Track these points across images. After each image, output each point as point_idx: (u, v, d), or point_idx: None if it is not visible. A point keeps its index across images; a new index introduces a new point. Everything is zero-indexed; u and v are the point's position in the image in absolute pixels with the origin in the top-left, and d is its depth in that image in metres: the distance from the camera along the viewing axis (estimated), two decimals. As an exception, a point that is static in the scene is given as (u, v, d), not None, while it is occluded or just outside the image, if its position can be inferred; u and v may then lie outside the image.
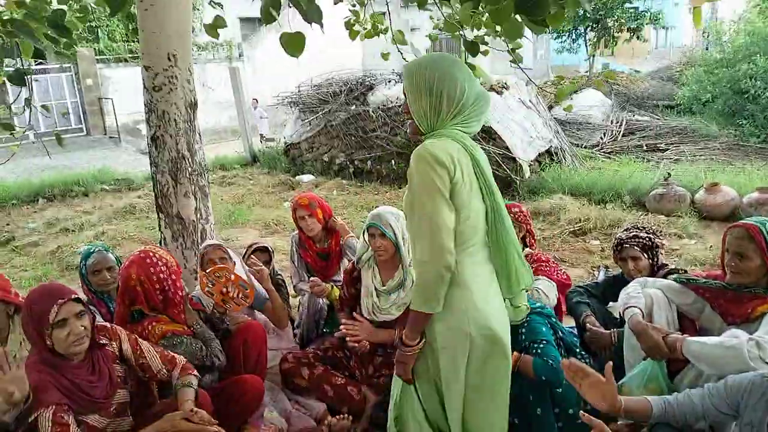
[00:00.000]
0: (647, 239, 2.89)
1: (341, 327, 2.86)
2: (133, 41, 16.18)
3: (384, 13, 4.00)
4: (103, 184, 9.66)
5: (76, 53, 14.35)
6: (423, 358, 1.99)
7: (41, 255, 6.31)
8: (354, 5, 4.09)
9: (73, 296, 2.06)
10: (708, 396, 1.88)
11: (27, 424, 1.91)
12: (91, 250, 3.09)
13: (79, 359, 2.09)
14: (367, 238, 2.78)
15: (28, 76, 3.42)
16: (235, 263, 3.09)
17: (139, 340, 2.31)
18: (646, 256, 2.88)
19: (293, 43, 2.39)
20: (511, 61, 3.26)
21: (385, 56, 4.03)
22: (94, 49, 16.21)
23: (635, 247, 2.88)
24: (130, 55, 16.52)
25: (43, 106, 3.62)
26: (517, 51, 3.24)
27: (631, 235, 2.91)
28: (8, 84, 3.34)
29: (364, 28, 4.13)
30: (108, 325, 2.31)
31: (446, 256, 1.75)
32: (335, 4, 3.88)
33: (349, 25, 4.08)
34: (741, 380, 1.82)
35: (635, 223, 3.01)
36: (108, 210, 8.09)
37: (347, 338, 2.79)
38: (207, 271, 2.80)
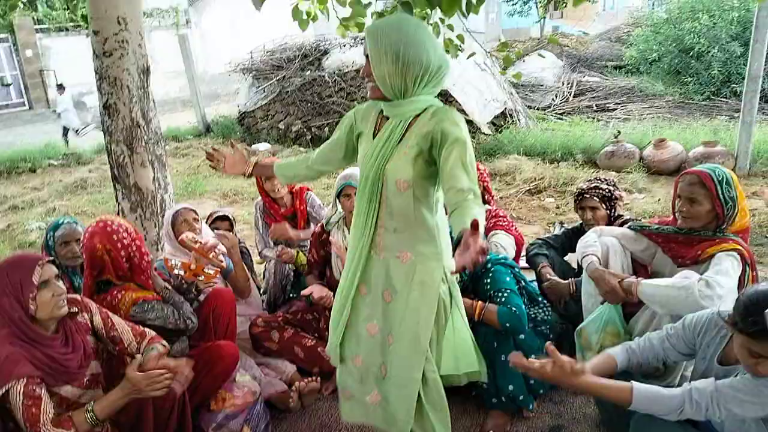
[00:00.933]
0: (607, 191, 3.00)
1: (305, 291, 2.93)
2: (77, 8, 15.38)
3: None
4: (50, 159, 9.35)
5: (12, 22, 13.61)
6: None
7: (-10, 233, 6.09)
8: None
9: (49, 258, 2.05)
10: (667, 338, 1.98)
11: None
12: (60, 222, 3.01)
13: (53, 330, 2.07)
14: (340, 200, 2.81)
15: None
16: (202, 229, 3.07)
17: (110, 313, 2.29)
18: (604, 206, 3.00)
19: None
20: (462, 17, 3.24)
21: (343, 29, 3.89)
22: (33, 18, 15.39)
23: (594, 198, 2.99)
24: (71, 24, 15.75)
25: None
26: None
27: (592, 186, 3.02)
28: None
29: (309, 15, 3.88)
30: (79, 297, 2.28)
31: None
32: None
33: (296, 14, 3.81)
34: (698, 319, 1.93)
35: (598, 176, 3.12)
36: (58, 185, 7.83)
37: (311, 294, 2.87)
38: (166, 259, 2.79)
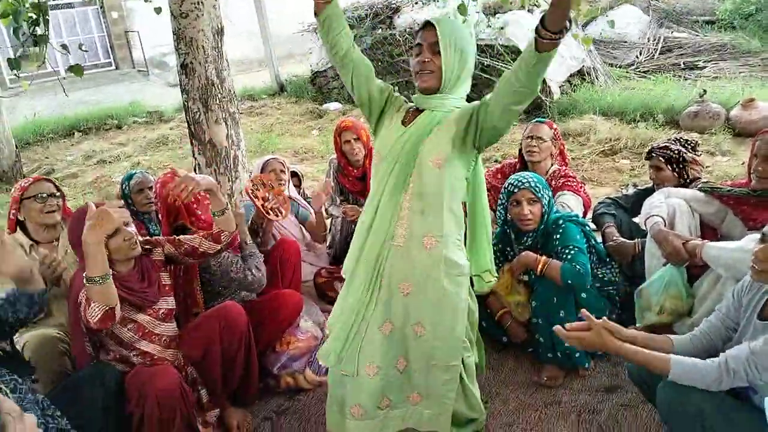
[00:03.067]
0: (676, 152, 2.85)
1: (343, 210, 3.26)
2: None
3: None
4: (135, 116, 9.83)
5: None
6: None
7: (81, 186, 6.56)
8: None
9: (120, 206, 2.21)
10: (722, 313, 1.89)
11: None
12: (133, 173, 3.26)
13: (129, 267, 2.25)
14: None
15: (44, 13, 3.36)
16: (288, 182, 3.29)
17: (175, 237, 2.43)
18: (670, 168, 2.86)
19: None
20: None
21: None
22: (117, -20, 16.05)
23: (660, 158, 2.87)
24: (153, -14, 16.28)
25: (63, 46, 3.57)
26: None
27: (662, 145, 2.89)
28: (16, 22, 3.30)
29: None
30: (150, 237, 2.46)
31: None
32: None
33: None
34: (742, 282, 1.86)
35: (679, 136, 2.98)
36: (141, 142, 8.27)
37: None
38: (254, 177, 2.98)
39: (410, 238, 1.91)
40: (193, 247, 2.39)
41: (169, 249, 2.39)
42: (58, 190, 2.70)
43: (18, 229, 2.64)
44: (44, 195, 2.60)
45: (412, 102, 2.00)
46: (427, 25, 1.86)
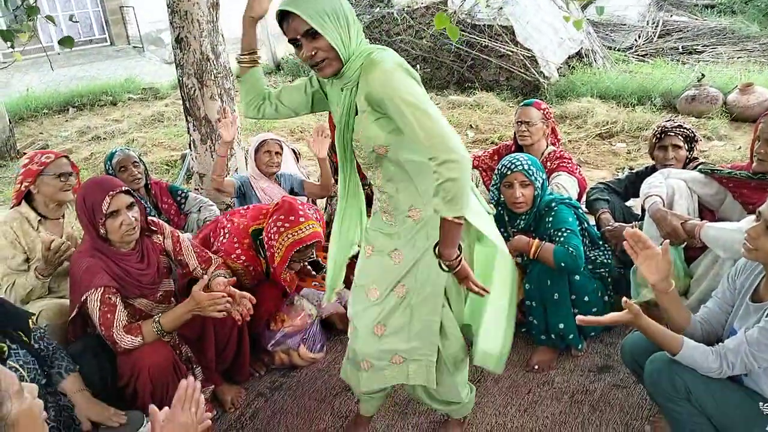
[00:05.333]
0: (690, 131, 2.86)
1: None
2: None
3: None
4: (130, 93, 9.73)
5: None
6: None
7: (76, 161, 6.45)
8: None
9: (123, 188, 2.16)
10: (719, 298, 1.91)
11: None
12: (113, 151, 3.15)
13: (129, 248, 2.23)
14: None
15: None
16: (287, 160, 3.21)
17: (181, 237, 2.44)
18: (686, 147, 2.85)
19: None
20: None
21: None
22: (112, -47, 15.78)
23: (679, 136, 2.82)
24: (149, -40, 16.01)
25: (48, 17, 3.48)
26: None
27: (675, 124, 2.87)
28: None
29: None
30: (156, 219, 2.44)
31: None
32: None
33: None
34: (737, 264, 1.88)
35: (677, 118, 2.97)
36: (137, 118, 8.19)
37: None
38: None
39: (397, 213, 1.87)
40: (187, 265, 2.42)
41: (169, 245, 2.40)
42: (74, 167, 2.66)
43: (24, 202, 2.59)
44: (66, 173, 2.57)
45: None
46: (286, 14, 1.60)
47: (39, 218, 2.58)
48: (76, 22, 5.09)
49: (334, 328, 2.98)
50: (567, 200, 2.67)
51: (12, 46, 3.17)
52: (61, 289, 2.56)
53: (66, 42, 3.18)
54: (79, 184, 2.73)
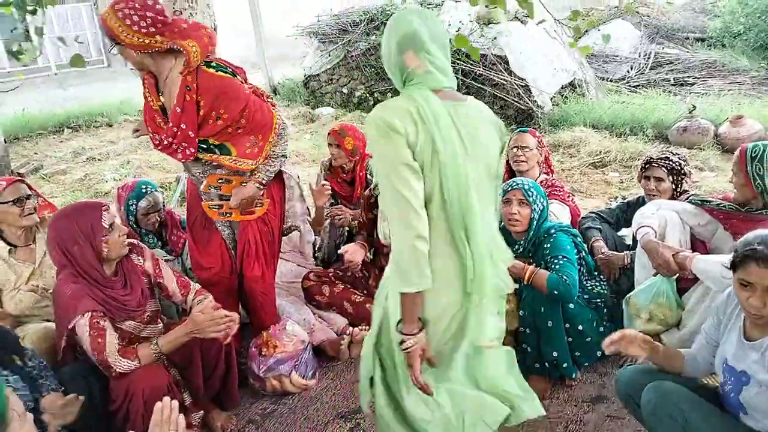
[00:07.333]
0: (677, 163, 2.85)
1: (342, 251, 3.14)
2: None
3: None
4: (126, 115, 9.77)
5: (94, -18, 14.11)
6: None
7: (70, 183, 6.48)
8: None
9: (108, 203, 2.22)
10: (708, 334, 1.91)
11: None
12: (143, 190, 2.97)
13: (112, 272, 2.22)
14: None
15: (42, 7, 3.34)
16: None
17: (160, 262, 2.43)
18: (670, 179, 2.84)
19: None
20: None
21: None
22: (111, -22, 15.95)
23: (663, 168, 2.83)
24: (147, -16, 16.19)
25: (60, 39, 3.55)
26: None
27: (662, 156, 2.87)
28: (15, 13, 3.24)
29: None
30: (135, 242, 2.44)
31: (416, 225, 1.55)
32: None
33: None
34: (720, 298, 1.89)
35: (670, 149, 3.02)
36: (132, 140, 8.19)
37: (345, 256, 3.07)
38: None
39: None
40: (167, 288, 2.41)
41: (148, 268, 2.39)
42: (31, 189, 2.59)
43: None
44: (22, 198, 2.50)
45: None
46: None
47: (9, 248, 2.53)
48: (81, 43, 5.16)
49: (325, 355, 2.95)
50: (566, 228, 2.69)
51: (25, 65, 3.21)
52: (44, 312, 2.52)
53: (76, 61, 3.21)
54: (45, 202, 2.71)
